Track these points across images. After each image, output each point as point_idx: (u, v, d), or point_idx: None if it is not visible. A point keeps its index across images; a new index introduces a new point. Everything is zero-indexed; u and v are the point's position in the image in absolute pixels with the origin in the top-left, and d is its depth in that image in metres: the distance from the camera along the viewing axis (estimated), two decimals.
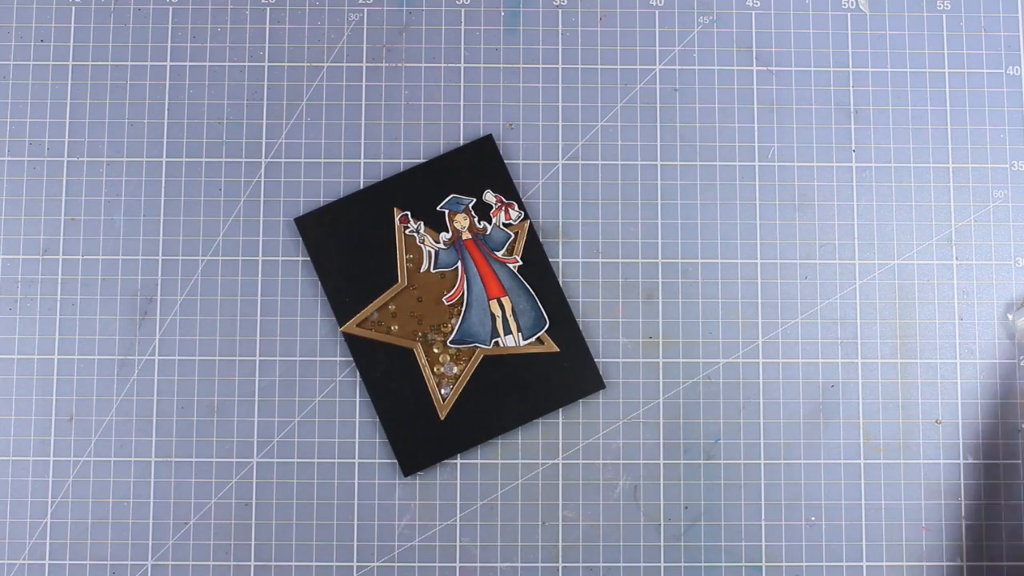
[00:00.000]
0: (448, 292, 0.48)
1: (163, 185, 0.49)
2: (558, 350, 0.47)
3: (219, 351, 0.48)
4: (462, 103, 0.49)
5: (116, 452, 0.47)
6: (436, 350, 0.47)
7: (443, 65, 0.50)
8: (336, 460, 0.47)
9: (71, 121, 0.49)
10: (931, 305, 0.49)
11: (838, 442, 0.48)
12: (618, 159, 0.49)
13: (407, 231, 0.48)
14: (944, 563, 0.47)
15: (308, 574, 0.46)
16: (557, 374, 0.47)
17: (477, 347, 0.47)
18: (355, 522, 0.47)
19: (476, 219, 0.48)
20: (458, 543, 0.47)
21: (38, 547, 0.47)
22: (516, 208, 0.48)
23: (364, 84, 0.49)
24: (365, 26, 0.50)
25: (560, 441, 0.48)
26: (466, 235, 0.48)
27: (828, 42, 0.50)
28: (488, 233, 0.48)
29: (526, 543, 0.47)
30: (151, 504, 0.47)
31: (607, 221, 0.49)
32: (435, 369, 0.47)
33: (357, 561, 0.47)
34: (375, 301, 0.47)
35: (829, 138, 0.49)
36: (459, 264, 0.48)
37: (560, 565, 0.47)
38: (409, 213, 0.48)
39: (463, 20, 0.50)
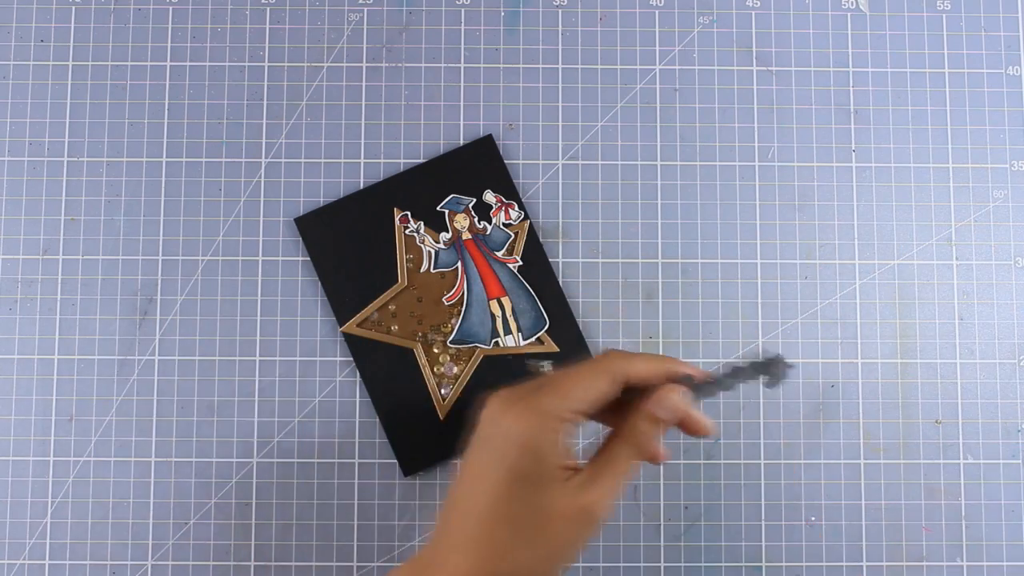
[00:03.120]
0: (448, 292, 0.48)
1: (163, 185, 0.49)
2: (558, 350, 0.47)
3: (219, 351, 0.48)
4: (462, 103, 0.49)
5: (116, 452, 0.47)
6: (436, 350, 0.47)
7: (443, 65, 0.50)
8: (336, 460, 0.47)
9: (71, 121, 0.49)
10: (931, 305, 0.49)
11: (838, 442, 0.48)
12: (618, 159, 0.49)
13: (407, 231, 0.48)
14: (944, 563, 0.47)
15: (308, 574, 0.46)
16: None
17: (477, 347, 0.47)
18: (355, 522, 0.47)
19: (476, 219, 0.48)
20: None
21: (38, 547, 0.47)
22: (516, 208, 0.48)
23: (364, 84, 0.49)
24: (365, 26, 0.50)
25: None
26: (466, 235, 0.48)
27: (828, 42, 0.50)
28: (488, 233, 0.48)
29: None
30: (151, 504, 0.47)
31: (607, 221, 0.49)
32: (435, 369, 0.47)
33: (357, 561, 0.47)
34: (375, 301, 0.47)
35: (829, 138, 0.49)
36: (459, 264, 0.48)
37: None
38: (409, 213, 0.48)
39: (463, 20, 0.50)
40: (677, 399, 0.36)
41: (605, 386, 0.35)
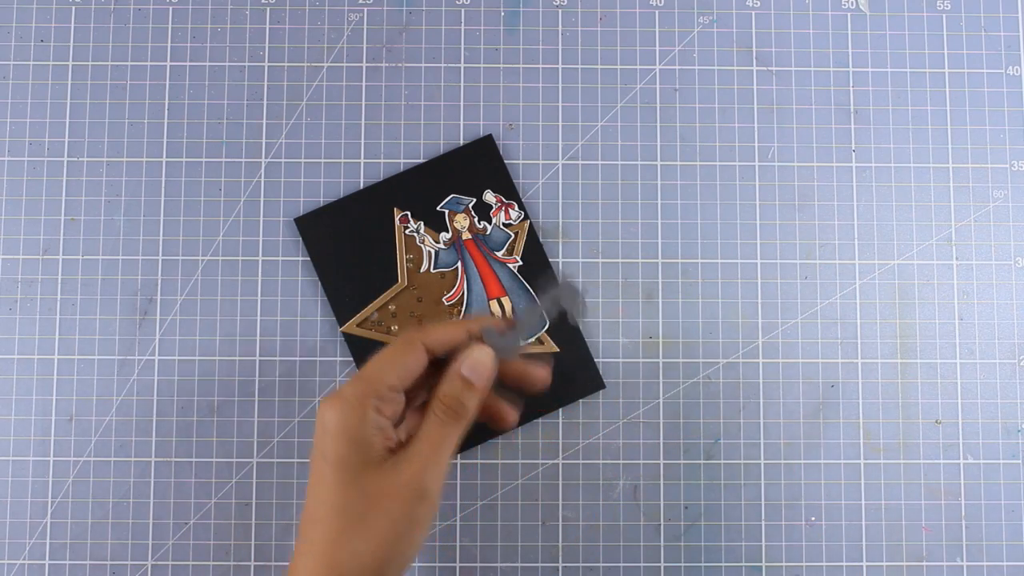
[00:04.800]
0: (448, 292, 0.48)
1: (163, 185, 0.49)
2: (558, 350, 0.47)
3: (219, 351, 0.48)
4: (462, 103, 0.49)
5: (116, 452, 0.47)
6: None
7: (443, 65, 0.50)
8: None
9: (71, 121, 0.49)
10: (931, 305, 0.49)
11: (838, 442, 0.48)
12: (618, 159, 0.49)
13: (407, 231, 0.48)
14: (944, 563, 0.47)
15: None
16: (557, 374, 0.47)
17: None
18: None
19: (476, 219, 0.48)
20: (458, 543, 0.47)
21: (38, 547, 0.47)
22: (516, 208, 0.48)
23: (364, 84, 0.49)
24: (365, 26, 0.50)
25: (560, 441, 0.48)
26: (466, 235, 0.48)
27: (828, 42, 0.50)
28: (488, 233, 0.48)
29: (526, 543, 0.47)
30: (151, 504, 0.47)
31: (607, 221, 0.49)
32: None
33: None
34: (375, 301, 0.47)
35: (829, 138, 0.49)
36: (459, 264, 0.48)
37: (560, 565, 0.47)
38: (409, 213, 0.48)
39: (463, 20, 0.50)
40: (479, 354, 0.36)
41: (408, 359, 0.35)
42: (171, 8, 0.50)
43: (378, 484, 0.34)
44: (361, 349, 0.47)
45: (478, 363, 0.36)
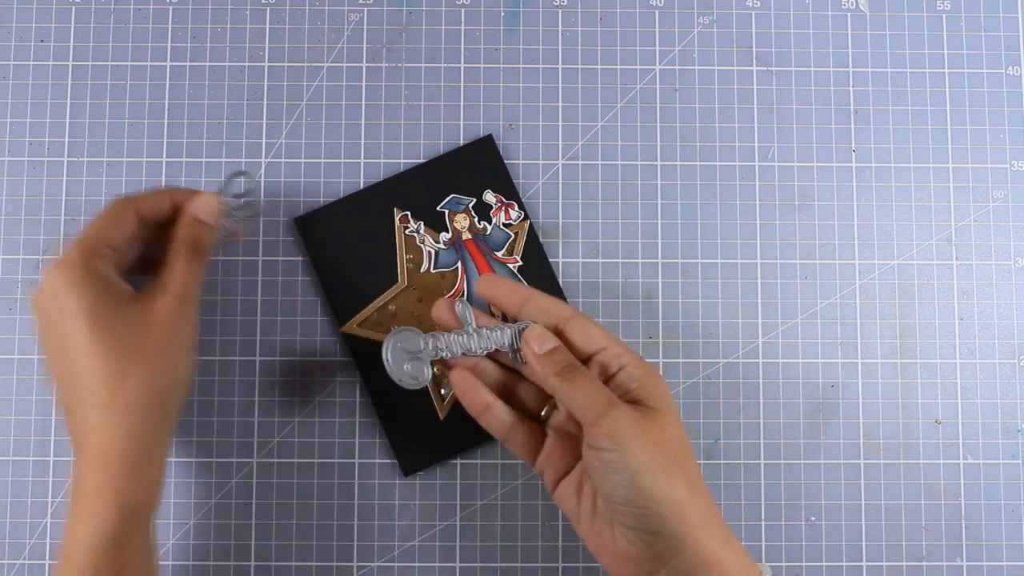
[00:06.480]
0: (448, 292, 0.48)
1: (163, 185, 0.49)
2: None
3: (219, 351, 0.48)
4: (462, 103, 0.49)
5: None
6: None
7: (443, 65, 0.50)
8: (336, 460, 0.47)
9: (71, 121, 0.49)
10: (931, 305, 0.49)
11: (838, 442, 0.48)
12: (618, 159, 0.49)
13: (407, 231, 0.48)
14: (944, 563, 0.47)
15: (308, 574, 0.46)
16: None
17: None
18: (355, 522, 0.47)
19: (476, 219, 0.48)
20: (458, 543, 0.47)
21: (38, 547, 0.47)
22: (516, 208, 0.48)
23: (364, 84, 0.49)
24: (365, 26, 0.50)
25: None
26: (466, 235, 0.48)
27: (828, 42, 0.50)
28: (488, 233, 0.48)
29: (526, 543, 0.47)
30: None
31: (607, 221, 0.49)
32: (435, 369, 0.47)
33: (357, 561, 0.47)
34: (375, 301, 0.47)
35: (829, 138, 0.49)
36: (459, 264, 0.48)
37: (560, 565, 0.47)
38: (409, 213, 0.48)
39: (463, 20, 0.50)
40: (206, 197, 0.42)
41: (121, 222, 0.40)
42: (171, 8, 0.50)
43: (140, 316, 0.38)
44: (361, 349, 0.47)
45: (206, 204, 0.42)
